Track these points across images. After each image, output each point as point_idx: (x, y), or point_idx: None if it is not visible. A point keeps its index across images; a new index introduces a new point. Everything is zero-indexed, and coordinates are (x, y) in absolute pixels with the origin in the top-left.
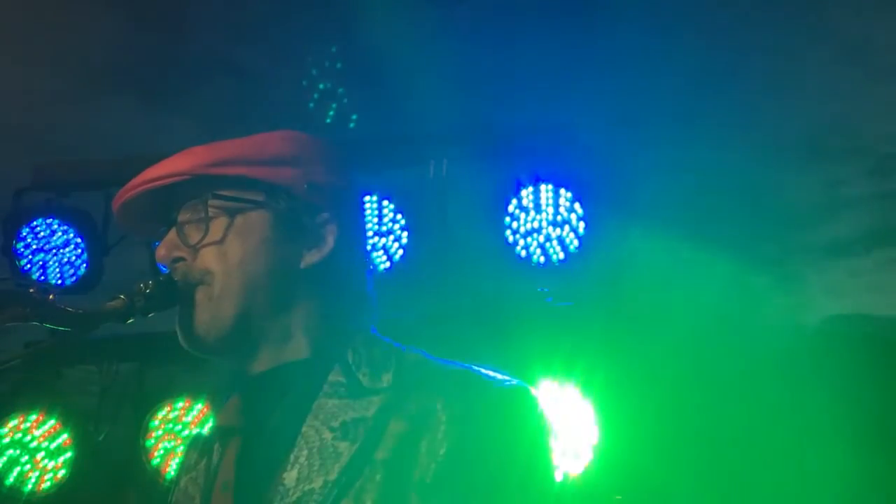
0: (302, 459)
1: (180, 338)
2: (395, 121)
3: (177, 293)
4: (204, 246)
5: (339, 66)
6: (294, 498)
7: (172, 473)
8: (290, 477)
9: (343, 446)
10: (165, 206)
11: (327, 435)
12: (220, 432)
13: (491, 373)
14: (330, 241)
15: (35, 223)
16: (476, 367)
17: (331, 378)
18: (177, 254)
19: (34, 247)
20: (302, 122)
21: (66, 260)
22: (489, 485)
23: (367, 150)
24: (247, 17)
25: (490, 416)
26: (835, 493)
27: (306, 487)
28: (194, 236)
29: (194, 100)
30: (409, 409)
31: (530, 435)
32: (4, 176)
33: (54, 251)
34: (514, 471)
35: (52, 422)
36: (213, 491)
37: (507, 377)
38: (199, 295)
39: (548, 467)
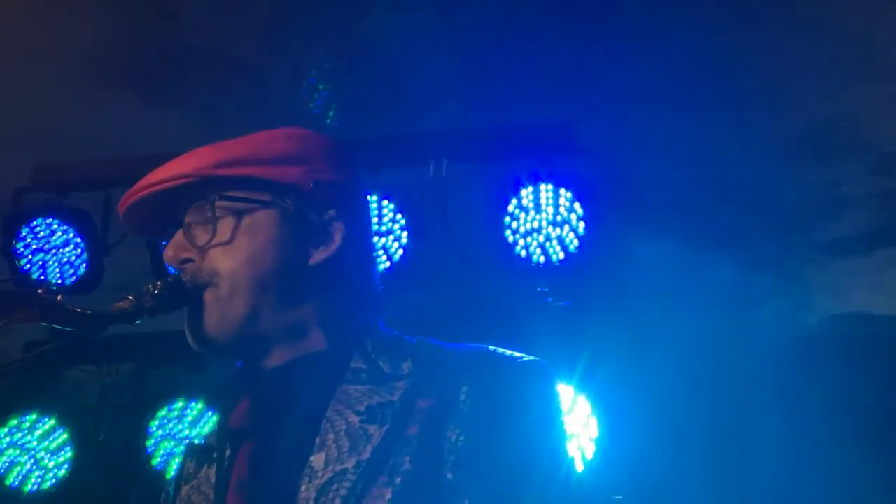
0: (329, 442)
1: (190, 340)
2: (395, 120)
3: (185, 294)
4: (211, 247)
5: (339, 65)
6: (325, 479)
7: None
8: (318, 460)
9: (372, 429)
10: (172, 206)
11: (354, 419)
12: (228, 435)
13: (507, 351)
14: (337, 238)
15: (35, 223)
16: (490, 346)
17: (352, 365)
18: (184, 255)
19: (34, 247)
20: (301, 118)
21: (65, 260)
22: (518, 456)
23: (367, 149)
24: (247, 14)
25: (513, 389)
26: (834, 492)
27: (338, 468)
28: (202, 237)
29: (194, 97)
30: (433, 389)
31: (551, 405)
32: (4, 176)
33: (54, 251)
34: (540, 441)
35: (51, 422)
36: (226, 493)
37: (522, 354)
38: (208, 296)
39: (565, 436)
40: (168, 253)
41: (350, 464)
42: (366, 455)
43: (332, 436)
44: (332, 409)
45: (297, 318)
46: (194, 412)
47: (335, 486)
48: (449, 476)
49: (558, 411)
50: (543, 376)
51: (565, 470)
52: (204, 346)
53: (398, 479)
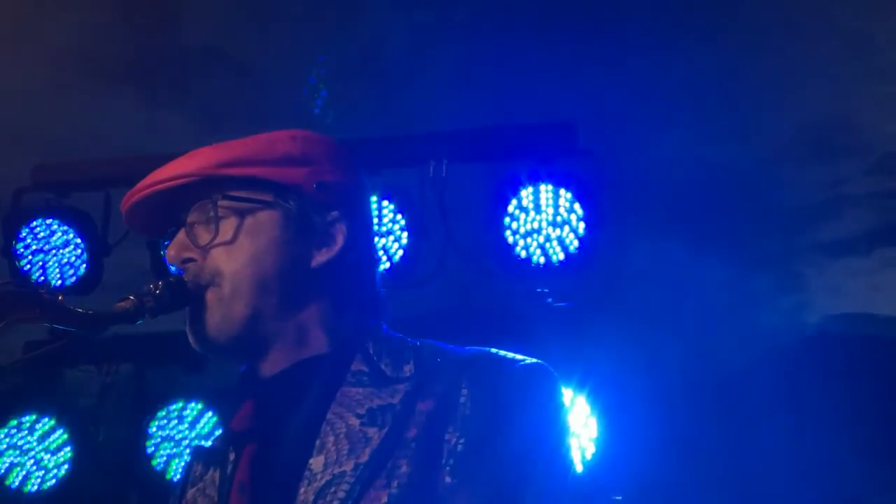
0: (329, 445)
1: (191, 340)
2: (395, 120)
3: (187, 294)
4: (214, 247)
5: (339, 65)
6: (323, 482)
7: (174, 476)
8: (317, 462)
9: (372, 431)
10: (174, 206)
11: (354, 421)
12: (233, 439)
13: (510, 353)
14: (340, 240)
15: (34, 224)
16: (493, 349)
17: (353, 368)
18: (186, 254)
19: (34, 247)
20: (302, 118)
21: (65, 260)
22: (517, 459)
23: (367, 149)
24: (247, 14)
25: (514, 392)
26: (835, 491)
27: (336, 471)
28: (204, 237)
29: (193, 96)
30: (434, 391)
31: (553, 409)
32: (4, 176)
33: (54, 252)
34: (541, 444)
35: (51, 422)
36: (229, 496)
37: (524, 356)
38: (210, 296)
39: (567, 440)
40: (170, 252)
41: (348, 466)
42: (364, 458)
43: (331, 438)
44: (332, 411)
45: (299, 320)
46: (194, 412)
47: (333, 489)
48: (447, 480)
49: (559, 415)
50: (545, 379)
51: (565, 475)
52: (205, 347)
53: (396, 483)
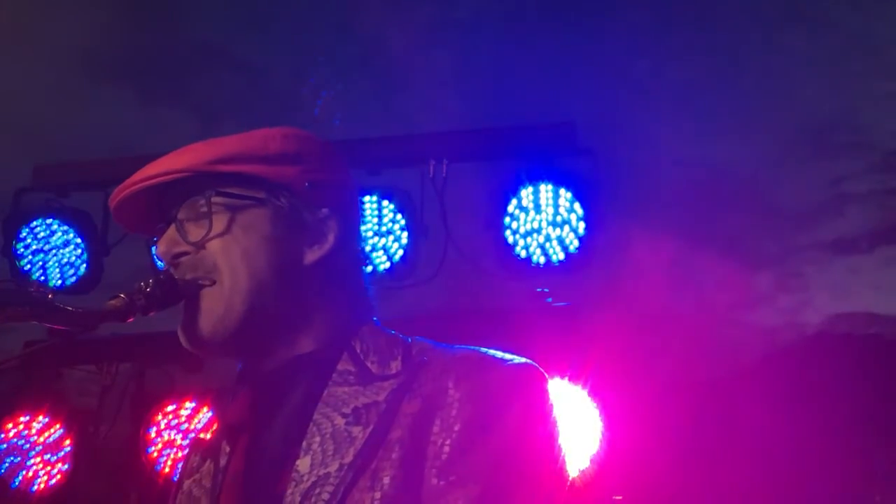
0: (315, 446)
1: (183, 339)
2: (395, 120)
3: (178, 291)
4: (208, 240)
5: (339, 64)
6: (309, 483)
7: (174, 475)
8: (303, 464)
9: (357, 430)
10: (164, 203)
11: (339, 421)
12: (228, 431)
13: (498, 353)
14: (330, 238)
15: (34, 224)
16: (482, 349)
17: (340, 367)
18: (177, 250)
19: (34, 247)
20: (301, 117)
21: (65, 260)
22: (504, 460)
23: (367, 149)
24: (246, 13)
25: (501, 391)
26: (835, 490)
27: (321, 472)
28: (195, 233)
29: (191, 93)
30: (420, 390)
31: (541, 408)
32: (4, 176)
33: (54, 251)
34: (528, 445)
35: (51, 422)
36: (221, 490)
37: (513, 356)
38: (205, 294)
39: (555, 439)
40: (161, 248)
41: (333, 468)
42: (348, 458)
43: (318, 439)
44: (319, 411)
45: (292, 318)
46: (193, 412)
47: (318, 491)
48: (434, 481)
49: (547, 415)
50: (532, 379)
51: (554, 476)
52: (198, 345)
53: (381, 484)
